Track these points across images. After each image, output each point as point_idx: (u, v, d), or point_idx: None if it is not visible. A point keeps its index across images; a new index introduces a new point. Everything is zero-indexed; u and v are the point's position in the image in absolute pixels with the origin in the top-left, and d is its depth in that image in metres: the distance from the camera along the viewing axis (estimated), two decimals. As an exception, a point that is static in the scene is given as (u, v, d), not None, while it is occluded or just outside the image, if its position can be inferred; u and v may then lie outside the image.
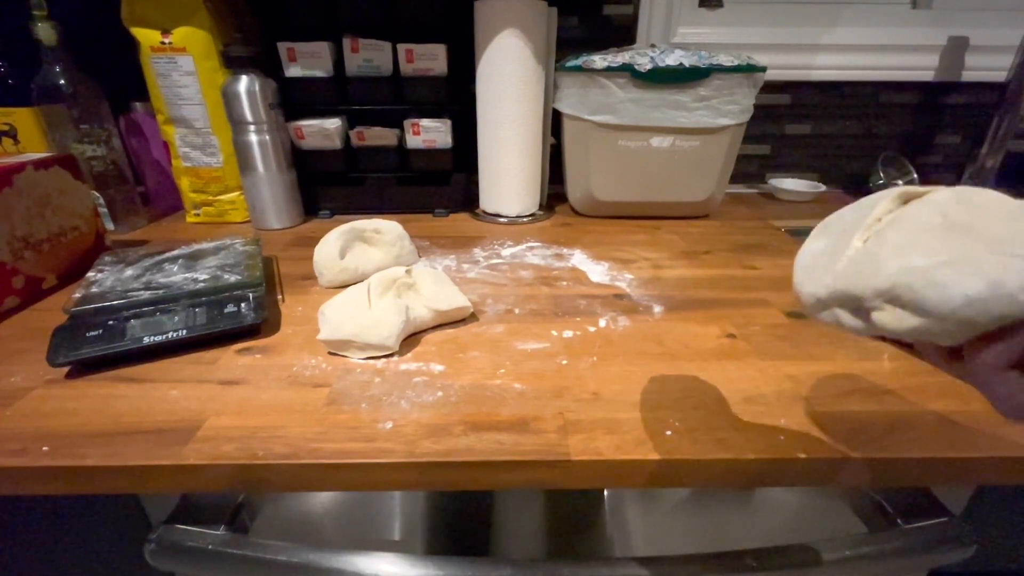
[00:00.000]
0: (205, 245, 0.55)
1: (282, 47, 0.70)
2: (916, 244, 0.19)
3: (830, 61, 0.90)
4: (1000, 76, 0.84)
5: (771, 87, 0.90)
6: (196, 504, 0.36)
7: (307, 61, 0.70)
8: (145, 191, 0.81)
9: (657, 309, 0.50)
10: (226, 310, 0.44)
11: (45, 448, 0.32)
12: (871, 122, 0.96)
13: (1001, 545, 0.45)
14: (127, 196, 0.72)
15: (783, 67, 0.88)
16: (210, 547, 0.34)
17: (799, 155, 0.99)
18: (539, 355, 0.42)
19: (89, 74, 0.65)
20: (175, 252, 0.53)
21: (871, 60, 0.89)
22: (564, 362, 0.41)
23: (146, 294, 0.44)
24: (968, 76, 0.90)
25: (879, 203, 0.22)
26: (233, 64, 0.66)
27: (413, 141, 0.75)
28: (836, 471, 0.31)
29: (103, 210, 0.69)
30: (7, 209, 0.48)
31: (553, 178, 0.83)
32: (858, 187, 0.99)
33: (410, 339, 0.44)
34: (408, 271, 0.47)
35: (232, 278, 0.47)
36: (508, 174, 0.74)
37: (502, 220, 0.77)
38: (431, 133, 0.74)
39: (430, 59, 0.71)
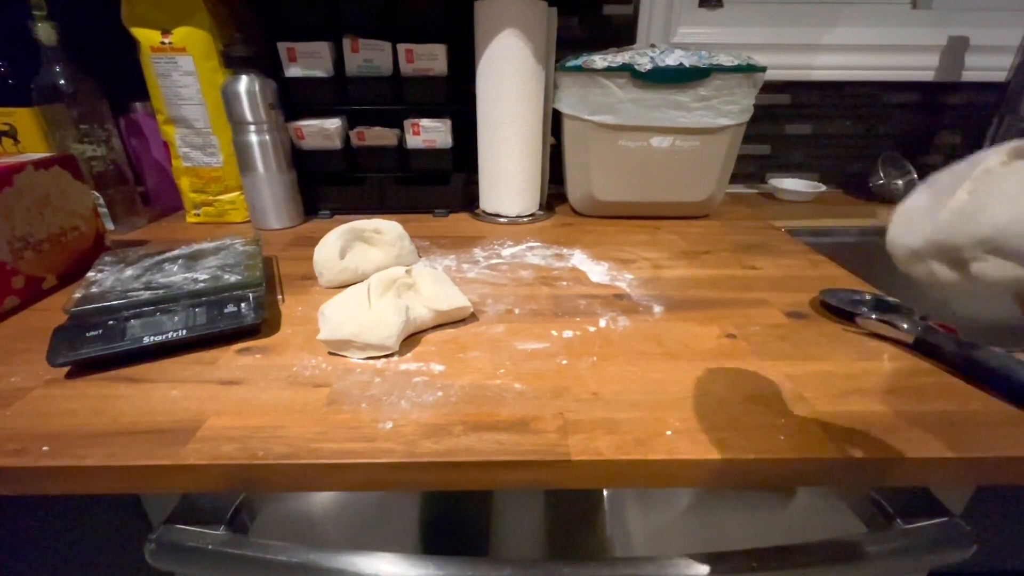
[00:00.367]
0: (205, 245, 0.55)
1: (282, 47, 0.70)
2: None
3: (830, 61, 0.90)
4: (1000, 76, 0.84)
5: (771, 87, 0.90)
6: (196, 504, 0.36)
7: (307, 61, 0.70)
8: (145, 191, 0.81)
9: (657, 309, 0.50)
10: (226, 310, 0.44)
11: (45, 448, 0.32)
12: (871, 122, 0.96)
13: (1001, 545, 0.45)
14: (127, 196, 0.72)
15: (783, 67, 0.88)
16: (210, 547, 0.34)
17: (799, 155, 0.99)
18: (539, 355, 0.42)
19: (89, 74, 0.65)
20: (175, 252, 0.53)
21: (871, 60, 0.90)
22: (564, 362, 0.41)
23: (146, 294, 0.44)
24: (968, 76, 0.90)
25: (989, 157, 0.21)
26: (233, 64, 0.66)
27: (413, 141, 0.75)
28: (836, 471, 0.31)
29: (103, 210, 0.69)
30: (7, 209, 0.48)
31: (553, 178, 0.83)
32: (858, 187, 0.98)
33: (410, 339, 0.44)
34: (408, 271, 0.47)
35: (232, 278, 0.47)
36: (508, 174, 0.74)
37: (502, 220, 0.77)
38: (431, 133, 0.74)
39: (430, 59, 0.71)
